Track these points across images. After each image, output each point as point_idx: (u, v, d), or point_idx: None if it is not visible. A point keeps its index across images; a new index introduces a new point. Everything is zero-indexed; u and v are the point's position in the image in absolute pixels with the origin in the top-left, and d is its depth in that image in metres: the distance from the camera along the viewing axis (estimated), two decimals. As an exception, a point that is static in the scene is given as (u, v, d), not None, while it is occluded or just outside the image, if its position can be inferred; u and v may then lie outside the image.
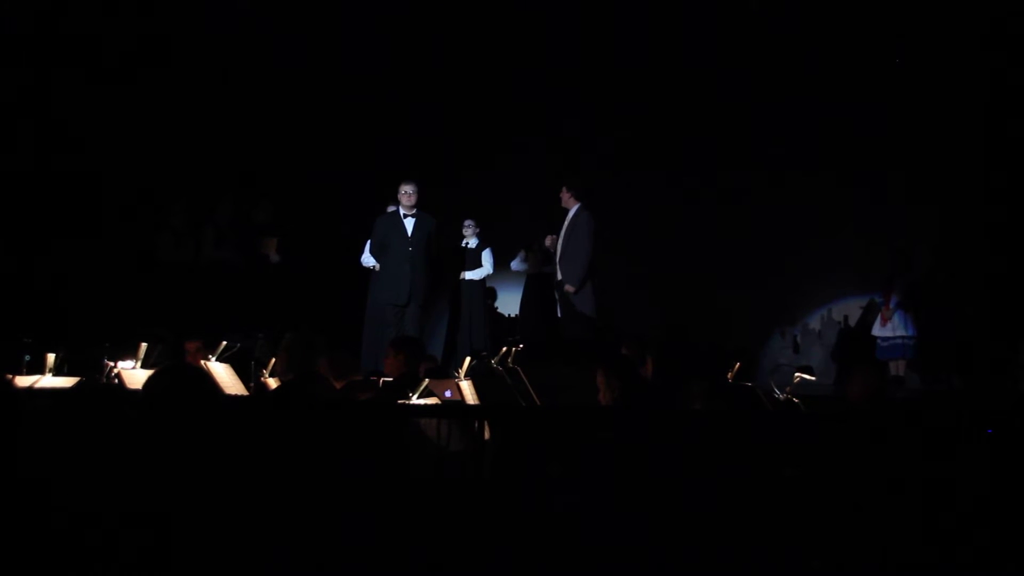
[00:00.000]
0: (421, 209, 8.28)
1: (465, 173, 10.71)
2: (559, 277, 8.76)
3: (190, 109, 9.67)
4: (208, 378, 4.32)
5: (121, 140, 9.24)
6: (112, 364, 5.08)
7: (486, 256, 9.52)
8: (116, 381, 4.98)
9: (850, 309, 10.58)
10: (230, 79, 9.91)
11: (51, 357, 4.80)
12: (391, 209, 8.50)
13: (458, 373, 5.62)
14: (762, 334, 10.78)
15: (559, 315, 9.06)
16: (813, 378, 6.20)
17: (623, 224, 10.37)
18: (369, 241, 8.56)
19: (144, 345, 5.14)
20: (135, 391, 4.53)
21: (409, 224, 8.20)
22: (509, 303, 10.50)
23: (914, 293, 9.48)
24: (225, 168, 9.88)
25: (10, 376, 4.51)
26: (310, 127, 10.25)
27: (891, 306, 9.36)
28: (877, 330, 9.52)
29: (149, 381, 3.33)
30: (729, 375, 6.19)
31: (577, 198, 8.72)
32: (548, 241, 9.07)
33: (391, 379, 5.36)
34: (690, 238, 10.58)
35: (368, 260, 8.59)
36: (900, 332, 9.36)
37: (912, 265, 9.57)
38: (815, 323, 10.77)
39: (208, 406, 3.35)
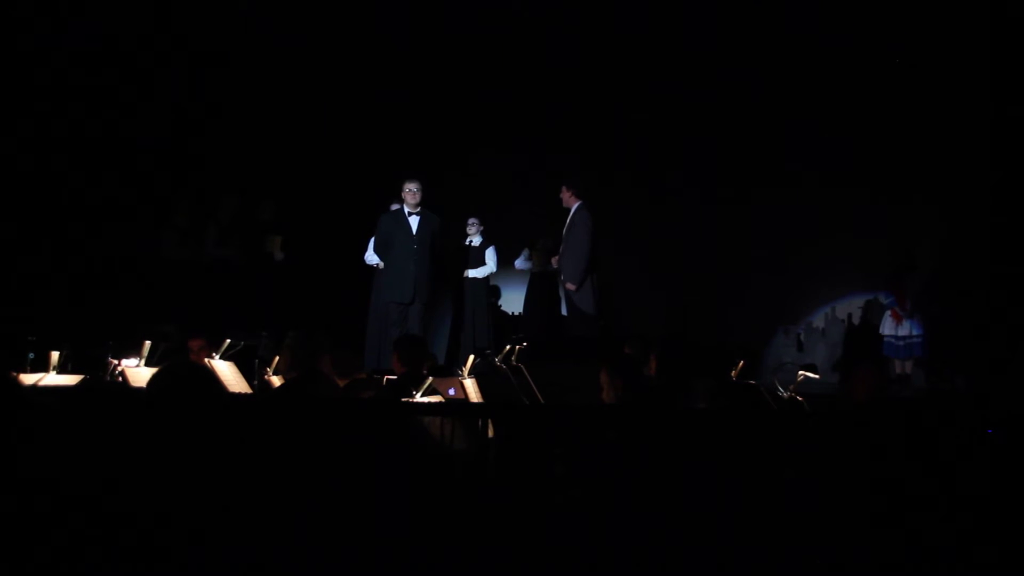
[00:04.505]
0: (425, 207, 8.29)
1: (468, 171, 10.71)
2: (561, 276, 8.80)
3: (192, 108, 9.67)
4: (212, 376, 4.32)
5: (123, 139, 9.24)
6: (116, 362, 5.09)
7: (490, 254, 9.53)
8: (120, 379, 4.98)
9: (854, 307, 10.58)
10: (232, 78, 9.91)
11: (55, 355, 4.81)
12: (395, 207, 8.50)
13: (462, 371, 5.63)
14: (766, 332, 10.78)
15: (563, 313, 9.07)
16: (817, 376, 6.22)
17: (626, 223, 10.38)
18: (373, 239, 8.56)
19: (148, 343, 5.15)
20: (139, 389, 4.54)
21: (414, 222, 8.20)
22: (513, 301, 10.52)
23: (922, 292, 9.47)
24: (228, 166, 9.88)
25: (14, 374, 4.51)
26: (313, 125, 10.25)
27: (907, 307, 9.34)
28: (888, 328, 9.50)
29: (153, 379, 3.34)
30: (733, 373, 6.21)
31: (577, 196, 8.74)
32: (554, 262, 9.07)
33: (394, 377, 5.37)
34: (693, 237, 10.58)
35: (372, 258, 8.60)
36: (913, 331, 9.35)
37: (917, 264, 9.56)
38: (819, 321, 10.76)
39: (211, 404, 3.35)
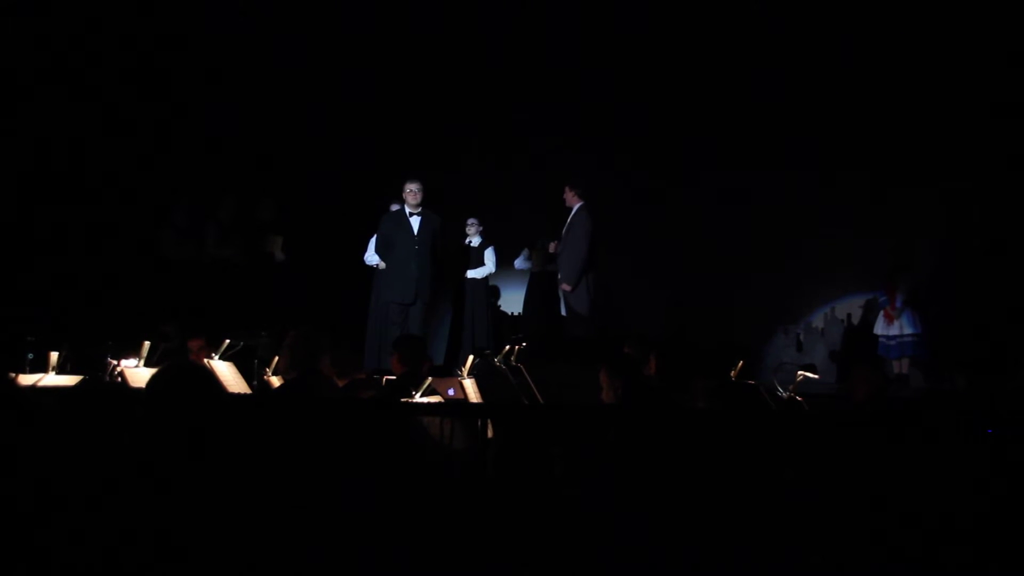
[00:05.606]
0: (426, 207, 8.28)
1: (468, 172, 10.71)
2: (559, 276, 8.81)
3: (192, 107, 9.66)
4: (211, 376, 4.31)
5: (123, 138, 9.23)
6: (115, 362, 5.08)
7: (489, 255, 9.53)
8: (119, 379, 4.98)
9: (853, 307, 10.58)
10: (232, 78, 9.90)
11: (54, 355, 4.80)
12: (395, 207, 8.50)
13: (461, 371, 5.62)
14: (765, 333, 10.78)
15: (562, 313, 9.07)
16: (816, 376, 6.21)
17: (626, 224, 10.37)
18: (373, 239, 8.56)
19: (147, 343, 5.15)
20: (138, 389, 4.53)
21: (415, 222, 8.20)
22: (512, 301, 10.52)
23: (917, 291, 9.46)
24: (228, 165, 9.87)
25: (13, 374, 4.51)
26: (313, 125, 10.24)
27: (897, 305, 9.33)
28: (881, 328, 9.50)
29: (152, 379, 3.33)
30: (732, 373, 6.20)
31: (580, 197, 8.75)
32: (552, 247, 9.08)
33: (394, 377, 5.37)
34: (693, 237, 10.58)
35: (372, 258, 8.59)
36: (905, 330, 9.35)
37: (913, 263, 9.56)
38: (818, 321, 10.76)
39: (211, 404, 3.35)
